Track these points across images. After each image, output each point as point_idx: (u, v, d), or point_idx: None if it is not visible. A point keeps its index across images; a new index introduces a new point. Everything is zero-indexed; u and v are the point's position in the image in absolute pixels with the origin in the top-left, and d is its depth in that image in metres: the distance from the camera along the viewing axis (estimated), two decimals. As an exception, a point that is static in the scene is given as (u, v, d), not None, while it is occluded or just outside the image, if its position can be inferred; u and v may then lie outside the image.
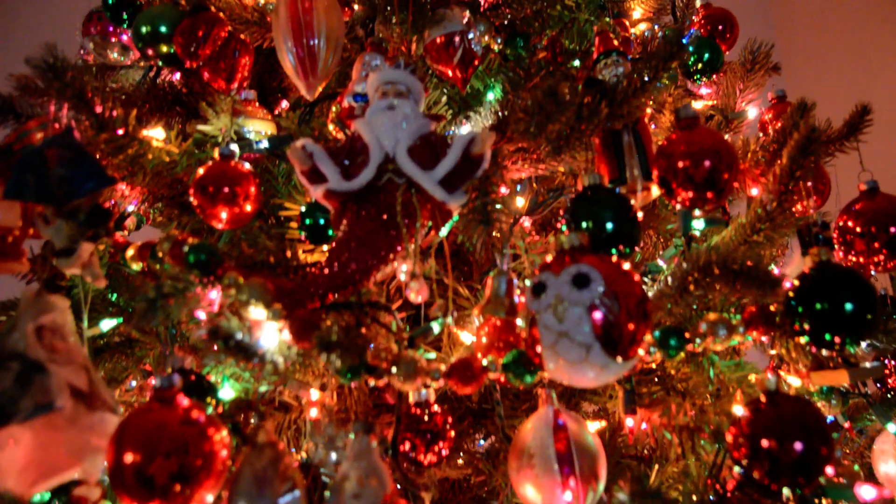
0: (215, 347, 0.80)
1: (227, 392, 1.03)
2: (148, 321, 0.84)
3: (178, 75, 1.63)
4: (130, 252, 1.15)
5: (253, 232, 1.29)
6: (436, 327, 0.92)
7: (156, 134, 1.14)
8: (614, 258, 0.80)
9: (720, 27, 1.50)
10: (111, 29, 1.53)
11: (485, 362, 0.85)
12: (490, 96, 1.30)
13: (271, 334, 0.83)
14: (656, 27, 1.58)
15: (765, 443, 0.80)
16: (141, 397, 1.46)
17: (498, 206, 0.88)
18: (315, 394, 1.10)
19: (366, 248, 0.86)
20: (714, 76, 1.45)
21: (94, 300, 1.22)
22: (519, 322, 0.85)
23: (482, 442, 1.46)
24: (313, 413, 1.12)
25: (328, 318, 0.83)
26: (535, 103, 0.86)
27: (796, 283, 0.84)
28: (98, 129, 1.06)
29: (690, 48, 1.39)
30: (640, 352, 0.80)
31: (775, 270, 0.91)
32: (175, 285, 0.83)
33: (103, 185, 0.95)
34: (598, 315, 0.75)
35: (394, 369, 0.82)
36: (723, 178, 0.89)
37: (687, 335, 0.85)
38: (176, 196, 1.29)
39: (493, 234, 1.15)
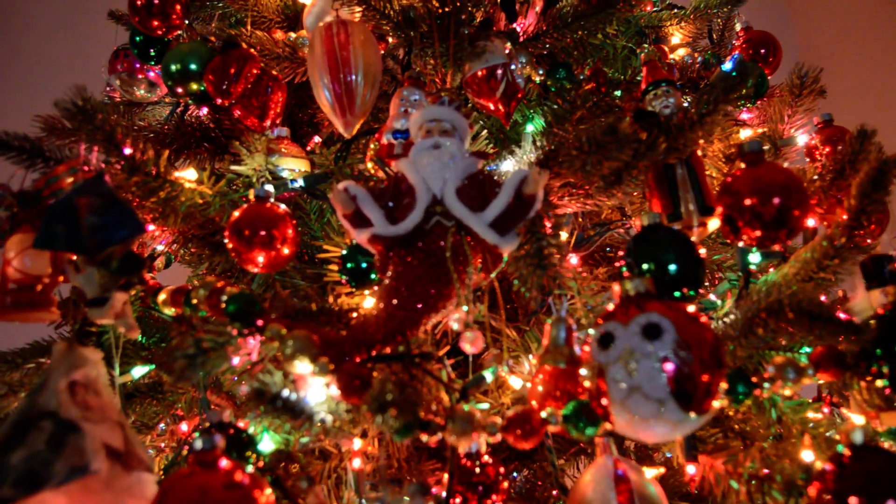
0: (258, 406, 0.76)
1: (267, 444, 0.99)
2: (187, 378, 0.80)
3: (205, 110, 1.60)
4: (162, 297, 1.11)
5: (287, 273, 1.25)
6: (488, 377, 0.87)
7: (188, 175, 1.10)
8: (683, 304, 0.75)
9: (762, 51, 1.45)
10: (138, 66, 1.51)
11: (544, 414, 0.79)
12: (530, 128, 1.26)
13: (318, 390, 0.79)
14: (695, 53, 1.54)
15: (854, 501, 0.74)
16: (171, 442, 1.42)
17: (553, 249, 0.83)
18: (357, 442, 1.05)
19: (415, 295, 0.82)
20: (758, 101, 1.40)
21: (124, 346, 1.18)
22: (582, 372, 0.79)
23: (515, 474, 1.40)
24: (356, 463, 1.07)
25: (378, 372, 0.78)
26: (591, 140, 0.82)
27: (872, 324, 0.78)
28: (129, 173, 1.03)
29: (734, 73, 1.34)
30: (715, 403, 0.74)
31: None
32: (216, 339, 0.78)
33: (136, 233, 0.91)
34: (670, 367, 0.70)
35: (449, 425, 0.77)
36: (793, 215, 0.84)
37: (754, 380, 0.80)
38: (207, 236, 1.25)
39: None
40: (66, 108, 0.98)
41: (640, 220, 0.88)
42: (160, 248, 1.41)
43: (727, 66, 1.37)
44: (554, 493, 1.18)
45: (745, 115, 1.51)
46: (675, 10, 1.55)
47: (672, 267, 0.83)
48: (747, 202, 0.85)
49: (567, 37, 1.18)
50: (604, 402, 0.74)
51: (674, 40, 1.56)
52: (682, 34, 1.55)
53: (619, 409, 0.71)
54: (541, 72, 1.15)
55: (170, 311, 1.09)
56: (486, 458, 0.97)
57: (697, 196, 1.00)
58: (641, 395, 0.70)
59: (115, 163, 1.03)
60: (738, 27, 1.53)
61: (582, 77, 1.14)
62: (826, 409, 1.38)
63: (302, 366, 0.77)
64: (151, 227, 1.34)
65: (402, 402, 0.72)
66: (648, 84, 1.06)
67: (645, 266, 0.84)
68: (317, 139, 1.39)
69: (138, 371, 1.17)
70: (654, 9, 1.60)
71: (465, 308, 0.82)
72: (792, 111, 1.32)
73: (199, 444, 0.77)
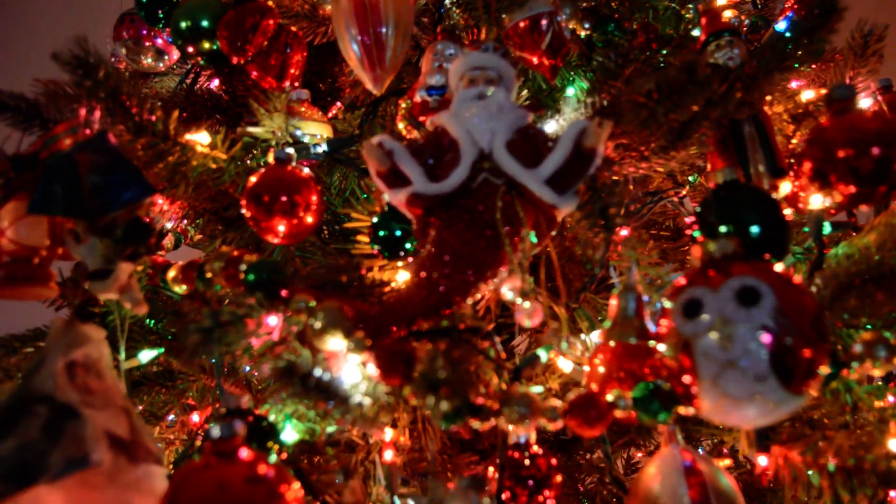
0: (285, 387, 0.66)
1: (290, 433, 0.88)
2: (203, 355, 0.70)
3: (216, 82, 1.50)
4: (172, 273, 1.01)
5: (307, 249, 1.15)
6: (543, 356, 0.76)
7: (200, 139, 1.00)
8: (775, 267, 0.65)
9: (816, 11, 1.34)
10: (145, 32, 1.40)
11: (610, 397, 0.69)
12: (570, 92, 1.15)
13: (353, 369, 0.69)
14: (741, 15, 1.42)
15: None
16: (182, 434, 1.32)
17: (619, 209, 0.73)
18: (388, 432, 0.95)
19: (462, 263, 0.72)
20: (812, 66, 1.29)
21: (131, 328, 1.07)
22: (660, 348, 0.69)
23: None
24: (388, 456, 0.97)
25: (424, 349, 0.68)
26: (662, 85, 0.71)
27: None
28: (135, 134, 0.93)
29: (787, 34, 1.23)
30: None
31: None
32: (235, 312, 0.68)
33: (145, 194, 0.81)
34: (769, 338, 0.59)
35: (504, 409, 0.66)
36: (894, 168, 0.73)
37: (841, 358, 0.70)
38: (219, 210, 1.15)
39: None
40: (65, 61, 0.88)
41: (715, 178, 0.78)
42: (169, 225, 1.31)
43: (780, 26, 1.26)
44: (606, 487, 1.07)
45: (793, 84, 1.40)
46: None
47: (754, 229, 0.73)
48: (841, 154, 0.74)
49: (613, -13, 1.08)
50: (686, 380, 0.64)
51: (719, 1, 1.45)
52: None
53: (710, 387, 0.61)
54: (586, 25, 1.04)
55: (181, 290, 1.00)
56: (535, 448, 0.87)
57: (767, 156, 0.89)
58: (738, 370, 0.59)
59: (120, 124, 0.93)
60: (787, -14, 1.41)
61: (631, 32, 1.04)
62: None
63: (334, 342, 0.67)
64: (160, 202, 1.25)
65: (453, 382, 0.61)
66: (709, 34, 0.96)
67: (723, 228, 0.73)
68: (337, 107, 1.29)
69: (146, 355, 1.07)
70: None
71: (518, 277, 0.72)
72: (854, 73, 1.21)
73: (216, 432, 0.67)
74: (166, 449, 1.31)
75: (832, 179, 0.75)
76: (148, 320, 1.24)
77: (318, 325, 0.67)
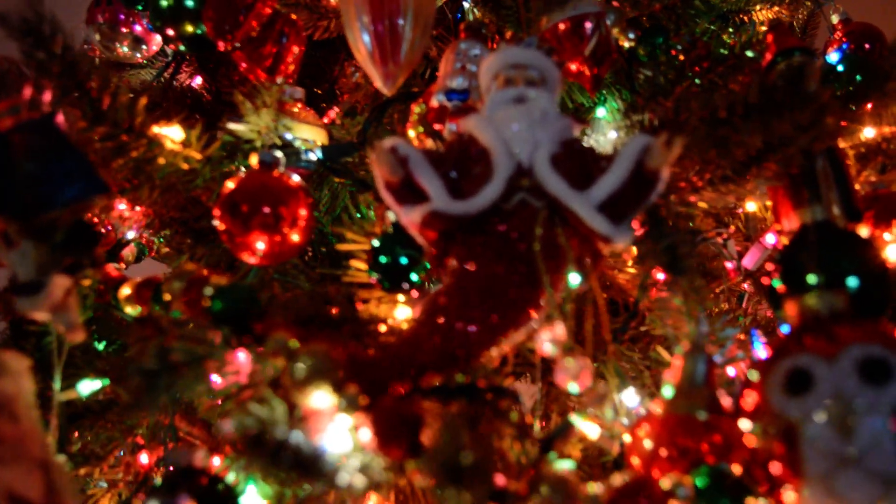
0: (249, 455, 0.50)
1: (252, 498, 0.72)
2: (146, 404, 0.54)
3: (199, 80, 1.35)
4: (126, 291, 0.85)
5: (288, 273, 0.99)
6: (579, 424, 0.61)
7: (171, 134, 0.84)
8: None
9: (866, 45, 1.22)
10: (122, 17, 1.25)
11: (666, 484, 0.54)
12: (601, 112, 1.01)
13: (340, 434, 0.53)
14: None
15: None
16: (128, 476, 1.14)
17: (690, 248, 0.59)
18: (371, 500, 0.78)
19: (490, 303, 0.57)
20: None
21: (72, 352, 0.90)
22: (746, 426, 0.53)
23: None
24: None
25: (435, 413, 0.52)
26: (754, 92, 0.57)
27: None
28: (93, 120, 0.77)
29: (840, 67, 1.10)
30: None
31: None
32: (192, 351, 0.52)
33: (94, 192, 0.66)
34: (903, 428, 0.45)
35: (535, 497, 0.51)
36: None
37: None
38: (189, 220, 0.99)
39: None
40: (12, 25, 0.72)
41: (802, 217, 0.64)
42: (131, 234, 1.15)
43: (832, 58, 1.13)
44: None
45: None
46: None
47: (852, 282, 0.58)
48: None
49: None
50: (776, 469, 0.49)
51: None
52: (765, 20, 1.32)
53: (818, 487, 0.46)
54: (631, 35, 0.91)
55: (134, 312, 0.83)
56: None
57: (843, 196, 0.75)
58: (860, 469, 0.45)
59: (75, 107, 0.77)
60: (834, 19, 1.30)
61: (680, 47, 0.91)
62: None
63: (320, 396, 0.51)
64: (122, 207, 1.09)
65: (479, 465, 0.46)
66: (776, 53, 0.82)
67: (812, 278, 0.59)
68: (336, 111, 1.13)
69: (87, 387, 0.90)
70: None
71: (559, 325, 0.56)
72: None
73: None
74: (109, 492, 1.13)
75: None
76: (97, 342, 1.07)
77: (300, 372, 0.52)
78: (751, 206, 1.11)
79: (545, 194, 0.60)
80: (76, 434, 1.05)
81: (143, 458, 1.11)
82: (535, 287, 0.58)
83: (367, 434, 0.51)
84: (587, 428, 0.79)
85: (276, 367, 0.54)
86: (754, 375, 0.52)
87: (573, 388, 0.54)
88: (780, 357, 0.50)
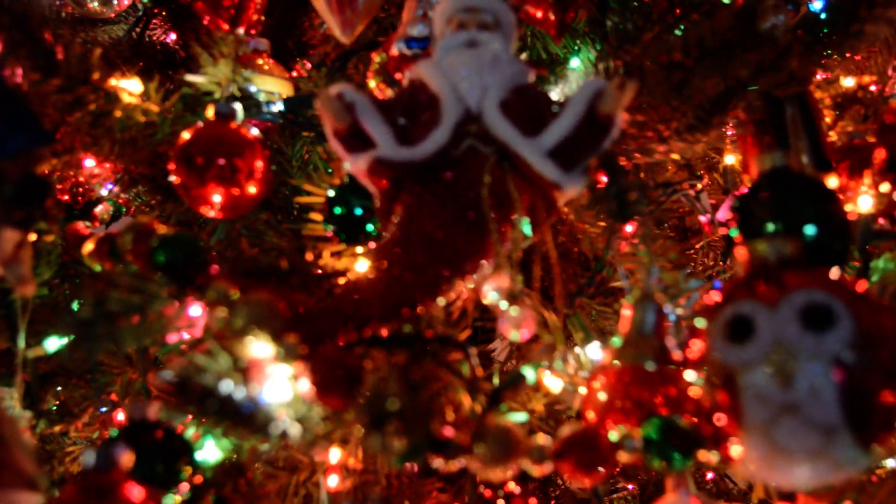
0: (183, 405, 0.49)
1: (211, 451, 0.71)
2: (87, 354, 0.53)
3: (173, 36, 1.32)
4: (89, 247, 0.84)
5: (258, 227, 0.98)
6: (530, 376, 0.61)
7: (129, 86, 0.82)
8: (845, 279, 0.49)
9: (855, -6, 1.19)
10: (93, -30, 1.23)
11: (614, 436, 0.54)
12: (575, 63, 0.99)
13: (280, 384, 0.52)
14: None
15: None
16: (103, 434, 1.14)
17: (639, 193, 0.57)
18: (334, 452, 0.78)
19: (435, 251, 0.56)
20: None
21: (38, 309, 0.90)
22: (688, 376, 0.53)
23: None
24: (332, 482, 0.80)
25: (372, 362, 0.51)
26: (707, 37, 0.55)
27: None
28: (46, 72, 0.75)
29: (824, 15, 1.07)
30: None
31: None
32: (128, 301, 0.51)
33: (37, 143, 0.64)
34: (841, 376, 0.44)
35: (477, 446, 0.50)
36: None
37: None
38: (157, 176, 0.98)
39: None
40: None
41: (761, 164, 0.62)
42: (103, 192, 1.13)
43: (815, 5, 1.10)
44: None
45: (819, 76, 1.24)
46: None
47: (810, 230, 0.57)
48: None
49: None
50: (719, 419, 0.48)
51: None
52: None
53: (758, 435, 0.45)
54: (600, -19, 0.88)
55: (98, 267, 0.82)
56: (511, 486, 0.72)
57: (813, 145, 0.73)
58: (799, 417, 0.44)
59: (26, 59, 0.75)
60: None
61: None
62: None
63: (259, 346, 0.50)
64: (90, 164, 1.07)
65: (410, 411, 0.45)
66: (749, -3, 0.80)
67: (771, 226, 0.57)
68: (306, 64, 1.11)
69: (54, 343, 0.89)
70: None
71: (506, 274, 0.55)
72: (897, 63, 1.06)
73: (89, 460, 0.50)
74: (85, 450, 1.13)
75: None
76: (73, 301, 1.07)
77: (239, 322, 0.51)
78: (729, 158, 1.09)
79: (494, 140, 0.58)
80: (49, 392, 1.05)
81: (120, 415, 1.12)
82: (482, 236, 0.57)
83: (306, 383, 0.51)
84: (550, 381, 0.78)
85: (219, 317, 0.54)
86: (701, 323, 0.50)
87: (514, 336, 0.53)
88: (723, 305, 0.48)
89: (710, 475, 1.07)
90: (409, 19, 0.80)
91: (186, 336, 0.61)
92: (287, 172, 1.01)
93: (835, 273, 0.52)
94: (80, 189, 1.13)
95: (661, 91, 0.63)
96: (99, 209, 1.18)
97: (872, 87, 1.02)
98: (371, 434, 0.43)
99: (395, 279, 0.56)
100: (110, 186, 1.13)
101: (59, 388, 1.06)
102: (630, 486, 1.16)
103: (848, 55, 1.13)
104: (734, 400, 0.46)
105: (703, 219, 1.00)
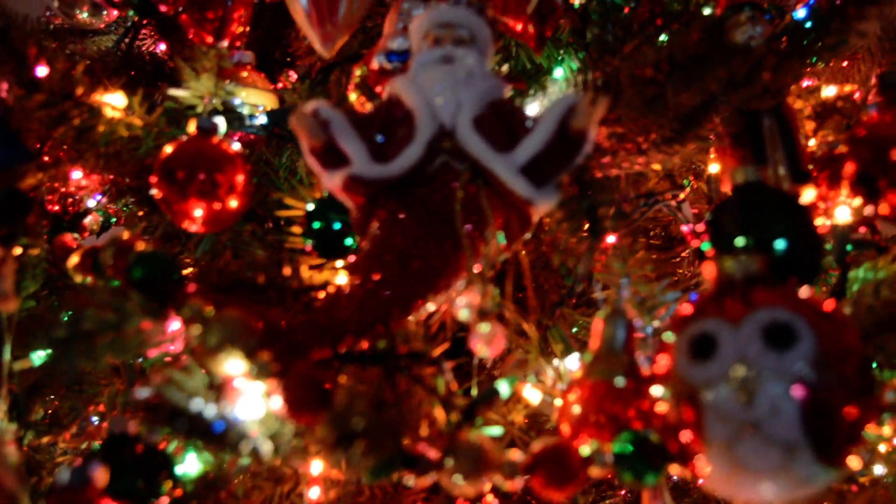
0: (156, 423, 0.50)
1: (192, 464, 0.72)
2: (63, 373, 0.54)
3: (162, 46, 1.33)
4: (74, 260, 0.84)
5: (244, 238, 0.98)
6: (504, 389, 0.61)
7: (113, 101, 0.83)
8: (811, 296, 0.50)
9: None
10: (81, -19, 1.23)
11: (586, 451, 0.54)
12: (559, 73, 1.00)
13: (253, 401, 0.52)
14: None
15: None
16: (92, 444, 1.14)
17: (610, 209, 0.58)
18: (316, 464, 0.79)
19: (408, 267, 0.56)
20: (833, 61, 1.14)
21: (26, 321, 0.90)
22: (655, 391, 0.53)
23: None
24: (314, 494, 0.81)
25: (345, 378, 0.52)
26: (678, 52, 0.56)
27: None
28: (29, 88, 0.76)
29: (809, 24, 1.08)
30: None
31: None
32: (104, 318, 0.52)
33: (15, 161, 0.65)
34: (802, 394, 0.44)
35: (448, 462, 0.51)
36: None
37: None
38: (144, 188, 0.98)
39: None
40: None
41: (733, 178, 0.63)
42: (93, 203, 1.14)
43: (799, 14, 1.11)
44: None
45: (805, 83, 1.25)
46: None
47: (780, 244, 0.57)
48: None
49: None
50: (685, 437, 0.49)
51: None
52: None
53: (720, 453, 0.46)
54: (581, -7, 0.89)
55: (81, 281, 0.83)
56: (489, 499, 0.73)
57: (790, 157, 0.74)
58: (760, 435, 0.44)
59: (9, 74, 0.76)
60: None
61: (633, 4, 0.88)
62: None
63: (232, 363, 0.51)
64: (78, 175, 1.08)
65: (377, 428, 0.45)
66: (726, 8, 0.80)
67: (741, 241, 0.58)
68: (291, 75, 1.12)
69: (41, 357, 0.90)
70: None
71: (478, 290, 0.56)
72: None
73: (63, 478, 0.51)
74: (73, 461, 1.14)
75: (881, 186, 0.60)
76: (62, 314, 1.07)
77: (212, 339, 0.51)
78: (714, 167, 1.09)
79: (468, 157, 0.59)
80: (37, 403, 1.05)
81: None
82: (455, 251, 0.57)
83: (278, 401, 0.51)
84: (529, 394, 0.79)
85: (194, 334, 0.54)
86: (669, 338, 0.51)
87: (484, 352, 0.53)
88: (689, 321, 0.49)
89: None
90: (389, 32, 0.81)
91: (172, 348, 0.62)
92: (274, 183, 1.02)
93: (803, 290, 0.52)
94: (69, 200, 1.13)
95: (637, 104, 0.64)
96: (88, 220, 1.19)
97: (856, 95, 1.02)
98: (336, 452, 0.43)
99: (369, 294, 0.56)
100: (98, 197, 1.14)
101: (48, 399, 1.06)
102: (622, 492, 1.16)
103: (832, 63, 1.14)
104: (698, 417, 0.47)
105: (684, 228, 1.00)
